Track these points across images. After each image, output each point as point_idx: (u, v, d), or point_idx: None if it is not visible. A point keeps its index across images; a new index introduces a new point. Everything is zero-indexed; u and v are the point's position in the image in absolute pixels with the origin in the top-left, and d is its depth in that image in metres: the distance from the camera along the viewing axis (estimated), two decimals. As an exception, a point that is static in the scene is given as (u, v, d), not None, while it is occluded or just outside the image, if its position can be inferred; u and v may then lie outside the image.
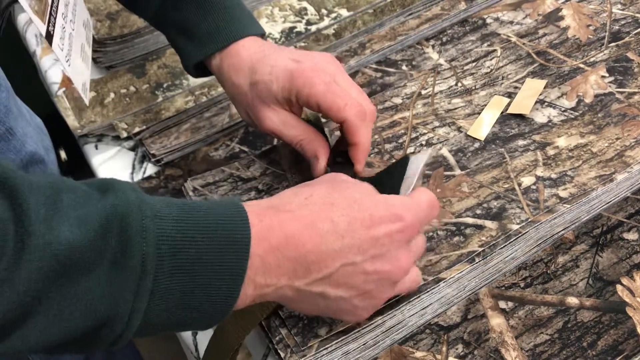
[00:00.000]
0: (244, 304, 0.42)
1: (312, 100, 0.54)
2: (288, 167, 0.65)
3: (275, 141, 0.68)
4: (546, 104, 0.68)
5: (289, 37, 0.79)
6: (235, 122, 0.71)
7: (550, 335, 0.53)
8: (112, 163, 0.71)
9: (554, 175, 0.61)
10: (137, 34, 0.78)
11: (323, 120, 0.63)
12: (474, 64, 0.74)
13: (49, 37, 0.54)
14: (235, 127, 0.71)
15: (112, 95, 0.74)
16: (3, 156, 0.69)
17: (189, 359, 0.61)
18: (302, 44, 0.78)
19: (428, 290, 0.53)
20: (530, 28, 0.77)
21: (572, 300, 0.55)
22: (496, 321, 0.54)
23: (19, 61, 0.94)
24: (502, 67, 0.73)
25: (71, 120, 0.72)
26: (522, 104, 0.68)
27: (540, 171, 0.62)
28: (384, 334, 0.52)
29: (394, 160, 0.64)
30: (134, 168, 0.70)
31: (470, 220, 0.58)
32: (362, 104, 0.55)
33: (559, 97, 0.68)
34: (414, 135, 0.67)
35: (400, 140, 0.66)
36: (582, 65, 0.72)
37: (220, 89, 0.73)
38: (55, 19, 0.55)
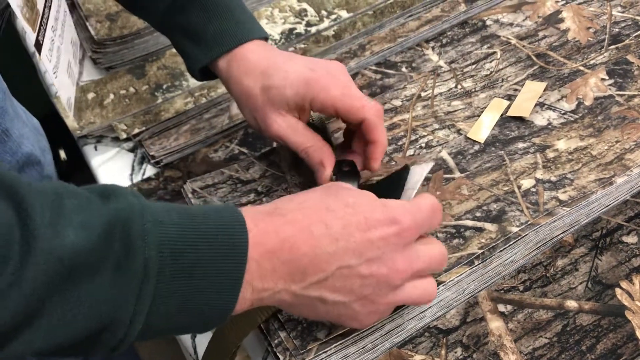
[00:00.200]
0: (242, 308, 0.42)
1: (329, 105, 0.56)
2: (288, 169, 0.64)
3: (274, 143, 0.68)
4: (546, 106, 0.68)
5: (289, 38, 0.78)
6: (235, 124, 0.71)
7: (549, 338, 0.53)
8: (111, 164, 0.71)
9: (553, 178, 0.61)
10: (136, 34, 0.78)
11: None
12: (473, 66, 0.74)
13: (38, 46, 0.54)
14: (234, 128, 0.71)
15: (111, 96, 0.74)
16: None
17: (187, 361, 0.61)
18: (302, 46, 0.78)
19: (427, 293, 0.53)
20: (530, 30, 0.77)
21: (571, 304, 0.55)
22: (495, 324, 0.54)
23: (18, 61, 0.94)
24: (501, 69, 0.73)
25: (70, 122, 0.72)
26: (522, 106, 0.68)
27: (540, 174, 0.62)
28: (383, 337, 0.52)
29: (394, 164, 0.64)
30: (133, 169, 0.70)
31: (469, 223, 0.58)
32: (378, 104, 0.57)
33: (558, 100, 0.68)
34: (413, 137, 0.66)
35: (400, 143, 0.66)
36: (582, 68, 0.71)
37: (220, 91, 0.73)
38: (45, 30, 0.55)
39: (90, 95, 0.74)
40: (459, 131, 0.66)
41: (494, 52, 0.75)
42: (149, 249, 0.38)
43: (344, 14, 0.80)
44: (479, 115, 0.68)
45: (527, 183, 0.61)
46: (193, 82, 0.75)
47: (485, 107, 0.69)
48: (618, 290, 0.55)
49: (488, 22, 0.79)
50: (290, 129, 0.57)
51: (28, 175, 0.73)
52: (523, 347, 0.52)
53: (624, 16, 0.77)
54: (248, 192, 0.63)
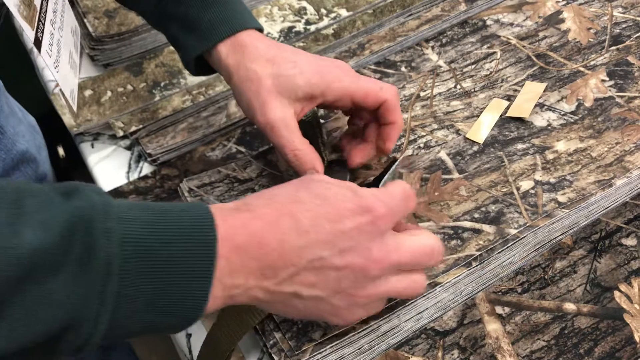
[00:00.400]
0: (214, 306, 0.41)
1: (345, 93, 0.56)
2: (285, 168, 0.64)
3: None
4: (546, 107, 0.68)
5: (288, 36, 0.78)
6: (233, 122, 0.70)
7: (547, 341, 0.52)
8: (108, 162, 0.70)
9: (552, 180, 0.60)
10: (134, 32, 0.77)
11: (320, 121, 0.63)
12: (473, 66, 0.73)
13: (38, 43, 0.53)
14: (232, 127, 0.70)
15: (109, 93, 0.74)
16: None
17: (183, 361, 0.61)
18: (301, 44, 0.77)
19: (424, 294, 0.53)
20: (530, 30, 0.76)
21: (570, 307, 0.54)
22: (492, 327, 0.53)
23: (16, 58, 0.94)
24: (501, 69, 0.72)
25: (67, 119, 0.72)
26: (522, 107, 0.67)
27: (539, 175, 0.61)
28: (379, 339, 0.51)
29: (385, 159, 0.64)
30: (130, 167, 0.69)
31: (467, 224, 0.58)
32: (394, 86, 0.58)
33: (558, 101, 0.68)
34: (412, 137, 0.66)
35: (399, 142, 0.66)
36: (582, 69, 0.71)
37: (218, 89, 0.73)
38: (44, 25, 0.55)
39: (88, 93, 0.74)
40: (457, 131, 0.66)
41: (494, 52, 0.74)
42: (112, 247, 0.37)
43: (343, 12, 0.80)
44: (478, 116, 0.67)
45: (526, 184, 0.60)
46: (191, 80, 0.74)
47: (484, 108, 0.68)
48: (617, 293, 0.55)
49: (488, 22, 0.78)
50: (283, 121, 0.55)
51: (23, 173, 0.72)
52: (520, 349, 0.52)
53: (625, 17, 0.76)
54: (245, 192, 0.63)
